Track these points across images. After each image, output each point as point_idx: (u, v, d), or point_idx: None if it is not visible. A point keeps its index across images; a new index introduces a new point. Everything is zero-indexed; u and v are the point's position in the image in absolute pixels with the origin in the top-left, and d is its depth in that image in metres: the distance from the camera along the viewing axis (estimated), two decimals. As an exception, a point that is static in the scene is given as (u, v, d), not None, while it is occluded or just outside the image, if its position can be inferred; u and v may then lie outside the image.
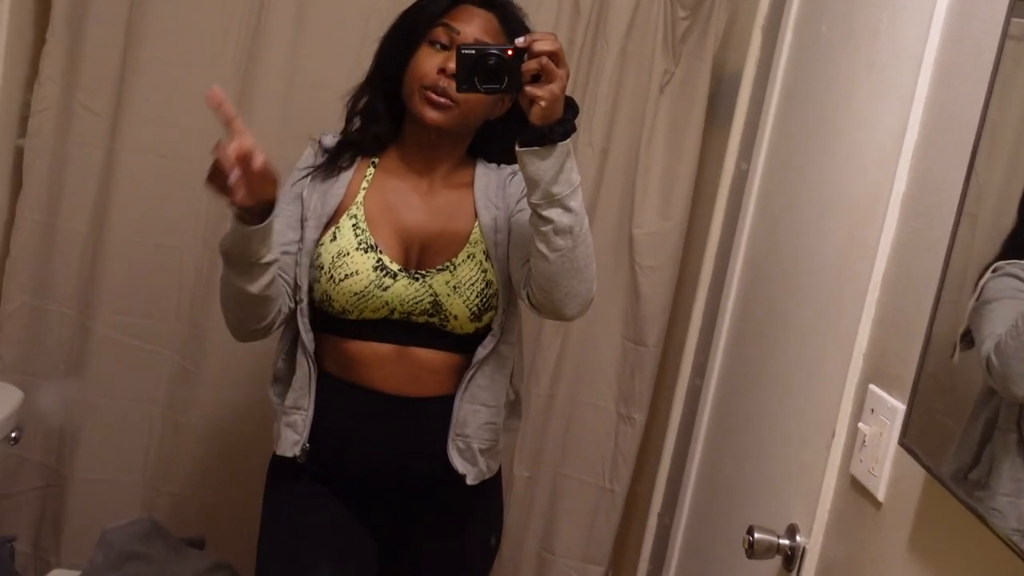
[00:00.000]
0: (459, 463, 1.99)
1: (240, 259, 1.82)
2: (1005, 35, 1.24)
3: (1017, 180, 1.18)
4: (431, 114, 1.93)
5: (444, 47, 1.94)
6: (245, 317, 1.94)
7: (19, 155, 2.63)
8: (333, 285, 1.93)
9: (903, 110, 1.53)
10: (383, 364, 1.97)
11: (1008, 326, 1.10)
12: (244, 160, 1.66)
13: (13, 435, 2.40)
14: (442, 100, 1.92)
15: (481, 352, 1.99)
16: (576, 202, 1.80)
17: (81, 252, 2.66)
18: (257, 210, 1.76)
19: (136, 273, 2.66)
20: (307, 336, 1.98)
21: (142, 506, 2.72)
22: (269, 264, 1.85)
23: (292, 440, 1.99)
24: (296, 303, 1.98)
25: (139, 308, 2.68)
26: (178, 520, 2.69)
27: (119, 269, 2.65)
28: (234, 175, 1.66)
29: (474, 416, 1.99)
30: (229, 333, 2.01)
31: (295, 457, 1.98)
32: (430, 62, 1.93)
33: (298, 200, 2.00)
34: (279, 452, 2.00)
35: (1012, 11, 1.24)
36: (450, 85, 1.87)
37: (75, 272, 2.67)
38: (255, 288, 1.86)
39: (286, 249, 1.95)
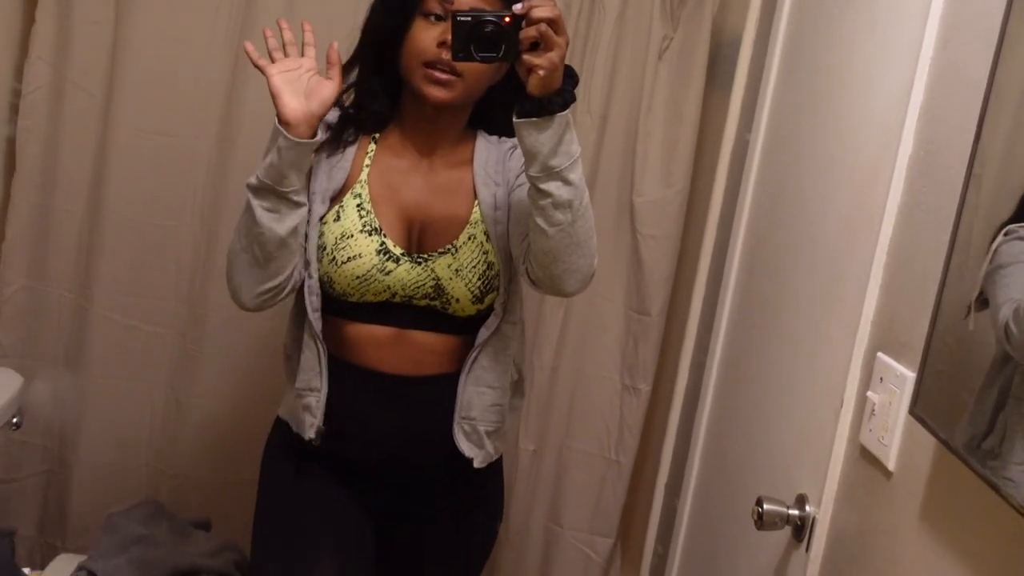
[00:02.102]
0: (466, 447, 1.96)
1: (274, 189, 1.80)
2: (1013, -8, 1.21)
3: (1025, 142, 1.15)
4: (435, 92, 1.86)
5: (440, 18, 1.86)
6: (263, 273, 1.87)
7: (11, 141, 2.59)
8: (335, 267, 1.90)
9: (908, 71, 1.51)
10: (381, 346, 1.94)
11: None
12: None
13: (15, 420, 2.39)
14: (445, 76, 1.85)
15: (484, 334, 1.95)
16: (576, 175, 1.75)
17: (78, 233, 2.64)
18: (305, 123, 1.79)
19: (134, 253, 2.64)
20: (314, 316, 1.93)
21: (147, 488, 2.71)
22: (299, 205, 1.83)
23: (308, 423, 1.95)
24: (304, 279, 1.94)
25: (138, 289, 2.66)
26: (183, 502, 2.68)
27: (117, 250, 2.63)
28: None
29: (479, 398, 1.96)
30: (229, 311, 1.98)
31: (311, 440, 1.95)
32: (427, 36, 1.86)
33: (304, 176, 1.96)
34: (303, 435, 1.96)
35: (1019, -32, 1.21)
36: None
37: (72, 254, 2.64)
38: (283, 229, 1.82)
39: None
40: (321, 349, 1.94)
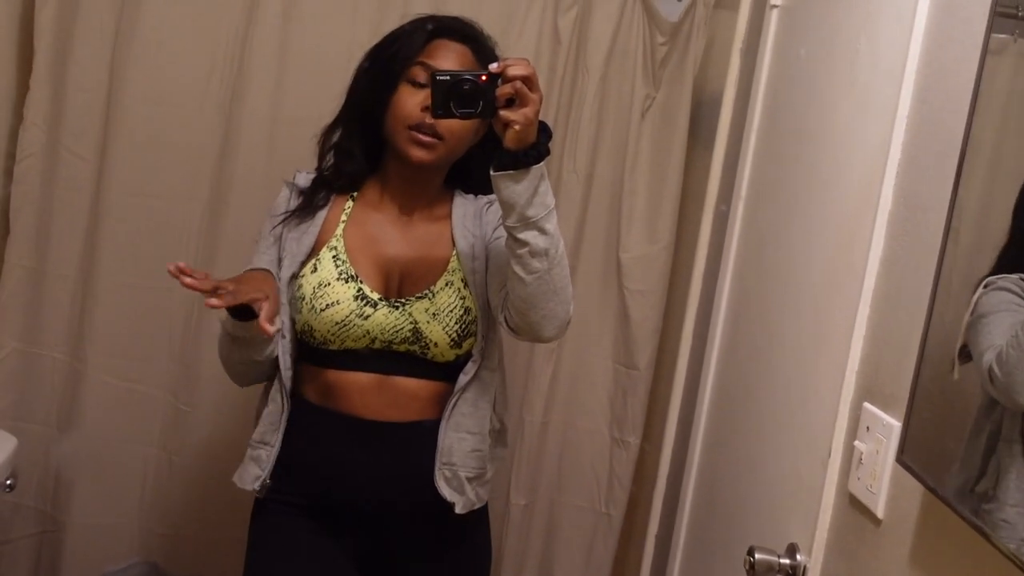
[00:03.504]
0: (447, 491, 2.00)
1: (248, 340, 1.91)
2: (986, 50, 1.26)
3: (1005, 195, 1.20)
4: (419, 153, 1.95)
5: (423, 86, 1.94)
6: (251, 375, 2.04)
7: (4, 204, 2.62)
8: (315, 315, 1.95)
9: (885, 129, 1.56)
10: (364, 393, 1.99)
11: (1008, 337, 1.11)
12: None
13: (8, 482, 2.39)
14: (428, 139, 1.94)
15: (463, 379, 2.00)
16: (551, 224, 1.84)
17: (71, 296, 2.66)
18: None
19: (127, 315, 2.66)
20: (286, 373, 2.00)
21: (139, 548, 2.71)
22: (275, 333, 1.84)
23: (254, 475, 2.02)
24: (278, 340, 1.99)
25: (131, 350, 2.68)
26: (176, 560, 2.68)
27: (109, 312, 2.65)
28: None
29: (459, 444, 2.00)
30: (221, 372, 2.04)
31: (255, 491, 2.02)
32: (412, 101, 1.95)
33: (277, 243, 2.03)
34: (238, 484, 2.04)
35: (992, 27, 1.26)
36: (437, 122, 1.90)
37: (65, 316, 2.66)
38: (262, 356, 1.96)
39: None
40: (286, 403, 1.99)
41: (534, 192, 1.79)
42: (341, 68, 2.50)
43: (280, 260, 2.01)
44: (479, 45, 2.03)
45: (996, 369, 1.12)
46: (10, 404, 2.66)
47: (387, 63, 1.99)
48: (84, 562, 2.68)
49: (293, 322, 2.00)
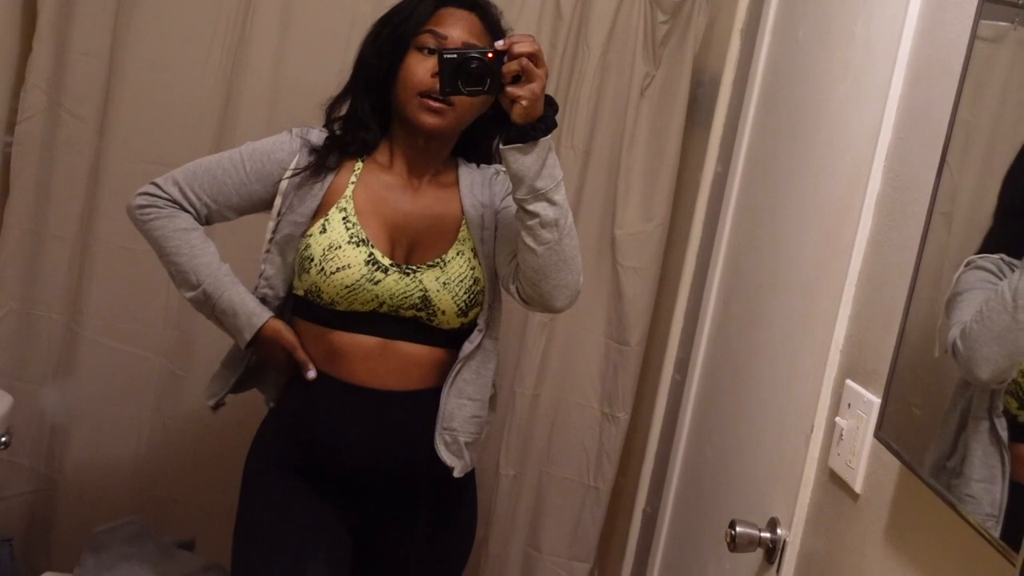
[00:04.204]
0: (447, 456, 2.02)
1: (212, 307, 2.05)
2: (974, 37, 1.28)
3: (992, 181, 1.22)
4: (429, 119, 1.97)
5: (432, 51, 1.96)
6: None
7: (6, 160, 2.64)
8: (324, 278, 1.97)
9: (877, 112, 1.57)
10: (368, 357, 2.01)
11: (974, 312, 1.14)
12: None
13: (3, 440, 2.42)
14: (438, 105, 1.96)
15: (468, 347, 2.03)
16: (560, 196, 1.89)
17: (69, 258, 2.68)
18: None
19: (124, 279, 2.68)
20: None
21: (132, 509, 2.73)
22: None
23: (212, 391, 2.16)
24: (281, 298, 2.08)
25: (127, 313, 2.70)
26: (168, 522, 2.71)
27: (107, 275, 2.67)
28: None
29: (460, 410, 2.03)
30: (217, 335, 2.09)
31: (210, 407, 2.17)
32: (422, 68, 1.97)
33: (273, 188, 2.05)
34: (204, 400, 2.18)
35: (980, 14, 1.28)
36: None
37: (63, 278, 2.68)
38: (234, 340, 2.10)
39: (219, 203, 2.06)
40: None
41: (543, 164, 1.84)
42: (342, 38, 2.52)
43: (279, 213, 2.03)
44: (485, 13, 2.05)
45: (959, 343, 1.16)
46: (7, 363, 2.69)
47: (396, 32, 2.01)
48: (76, 520, 2.71)
49: (290, 279, 2.04)
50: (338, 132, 2.07)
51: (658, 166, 2.73)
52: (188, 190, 2.04)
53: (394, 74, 2.00)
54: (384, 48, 2.02)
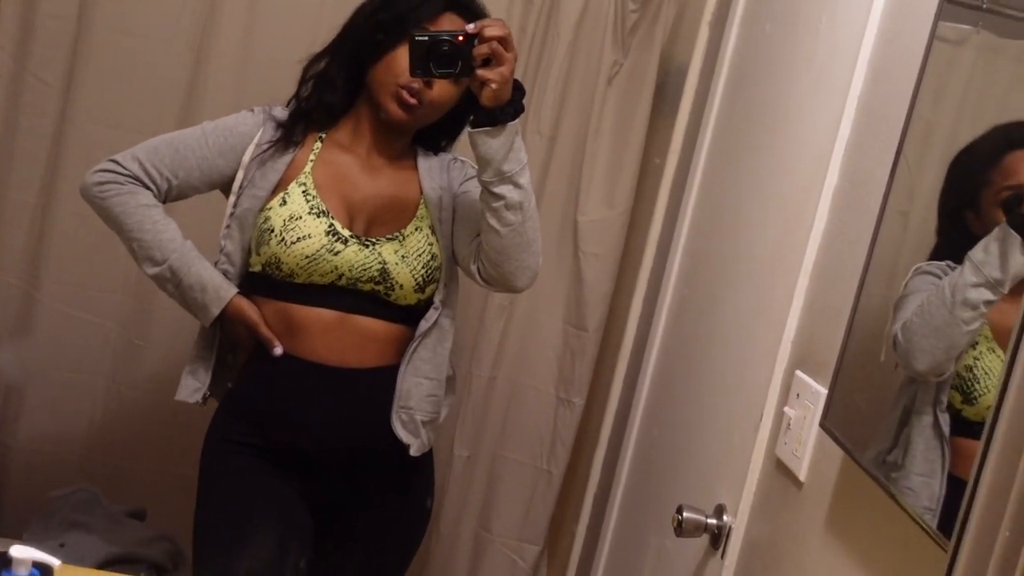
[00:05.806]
0: (403, 434, 2.04)
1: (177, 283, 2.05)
2: (933, 37, 1.30)
3: (936, 187, 1.26)
4: (398, 112, 2.00)
5: None
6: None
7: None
8: (284, 248, 1.98)
9: (838, 108, 1.60)
10: (326, 331, 2.02)
11: (915, 307, 1.19)
12: None
13: (-45, 403, 2.41)
14: (413, 101, 1.98)
15: (424, 325, 2.05)
16: (525, 179, 1.94)
17: (29, 222, 2.65)
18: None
19: (84, 246, 2.65)
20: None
21: (84, 476, 2.71)
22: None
23: (193, 387, 2.10)
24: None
25: (86, 281, 2.68)
26: (120, 491, 2.69)
27: (67, 241, 2.65)
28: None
29: (417, 388, 2.05)
30: (175, 309, 2.10)
31: (197, 403, 2.12)
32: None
33: (236, 162, 2.05)
34: (179, 398, 2.13)
35: (940, 14, 1.30)
36: (424, 88, 1.96)
37: (22, 242, 2.66)
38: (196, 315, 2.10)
39: (179, 179, 2.05)
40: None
41: (510, 148, 1.89)
42: (314, 7, 2.52)
43: (240, 187, 2.03)
44: None
45: (900, 336, 1.21)
46: (-39, 326, 2.67)
47: (397, 19, 2.01)
48: (28, 486, 2.69)
49: (253, 254, 2.03)
50: (307, 93, 2.08)
51: (623, 154, 2.74)
52: (149, 166, 2.03)
53: (379, 55, 2.01)
54: (379, 28, 2.02)
